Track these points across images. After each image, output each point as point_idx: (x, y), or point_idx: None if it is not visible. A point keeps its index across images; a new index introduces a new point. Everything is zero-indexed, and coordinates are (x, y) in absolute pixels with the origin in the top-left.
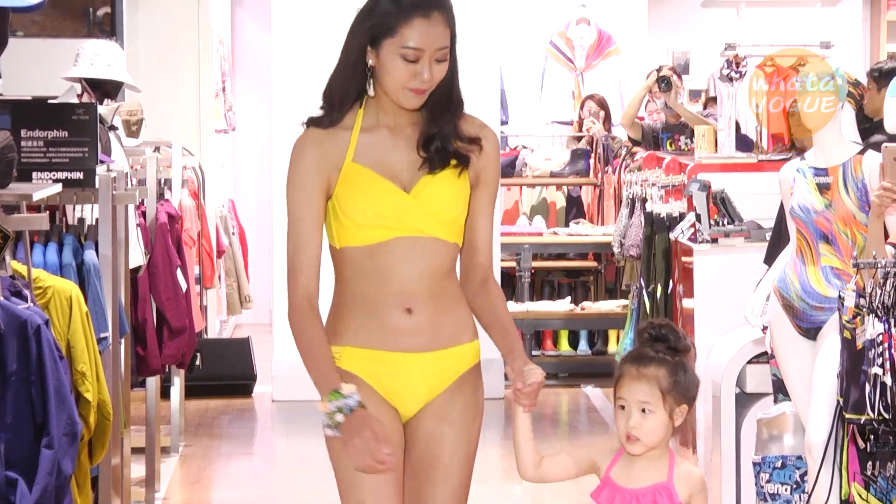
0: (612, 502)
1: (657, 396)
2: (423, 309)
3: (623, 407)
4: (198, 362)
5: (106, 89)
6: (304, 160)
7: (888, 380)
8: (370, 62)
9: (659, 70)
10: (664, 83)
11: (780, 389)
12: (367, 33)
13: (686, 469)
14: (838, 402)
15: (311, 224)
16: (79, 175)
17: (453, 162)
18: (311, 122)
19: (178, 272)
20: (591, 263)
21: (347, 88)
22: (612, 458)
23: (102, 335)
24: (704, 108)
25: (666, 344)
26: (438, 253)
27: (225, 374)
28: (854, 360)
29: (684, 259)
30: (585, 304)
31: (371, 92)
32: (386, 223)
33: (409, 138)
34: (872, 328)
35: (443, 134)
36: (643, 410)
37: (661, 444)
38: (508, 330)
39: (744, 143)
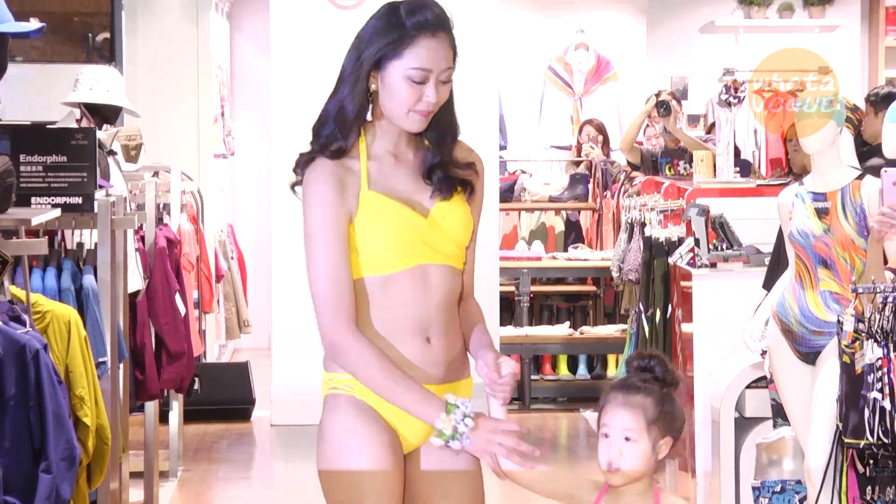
0: None
1: (642, 425)
2: (439, 338)
3: (606, 435)
4: (196, 387)
5: (105, 114)
6: (324, 189)
7: (887, 404)
8: (372, 87)
9: (658, 95)
10: (663, 108)
11: (779, 414)
12: (371, 57)
13: (672, 503)
14: (837, 426)
15: (344, 249)
16: (77, 200)
17: (459, 188)
18: (316, 153)
19: (177, 297)
20: (590, 288)
21: (351, 115)
22: (597, 494)
23: (101, 360)
24: (707, 132)
25: (654, 375)
26: (453, 280)
27: (223, 398)
28: (853, 384)
29: (683, 283)
30: (584, 328)
31: (370, 117)
32: (408, 250)
33: (412, 163)
34: (871, 353)
35: (444, 161)
36: (626, 439)
37: (645, 478)
38: (483, 331)
39: (743, 168)
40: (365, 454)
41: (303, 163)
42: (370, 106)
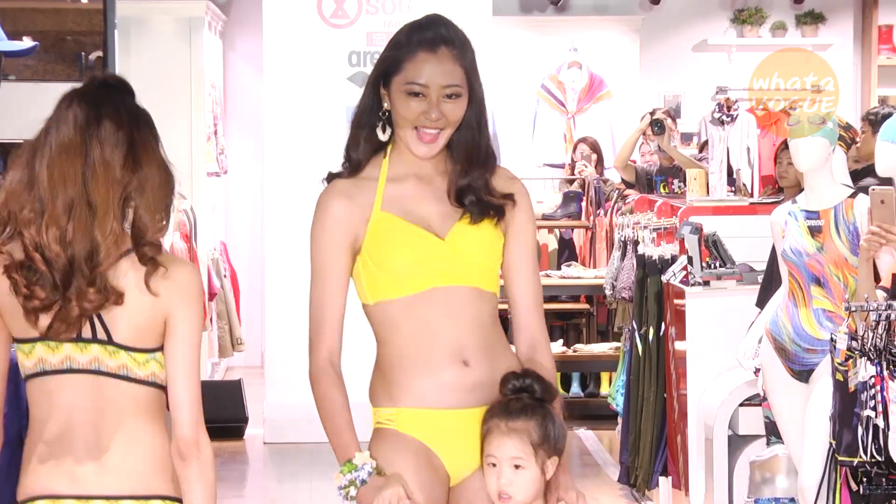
0: None
1: (529, 451)
2: (479, 360)
3: (493, 465)
4: None
5: None
6: (329, 215)
7: (880, 422)
8: (385, 105)
9: (653, 113)
10: (657, 126)
11: (772, 432)
12: (377, 72)
13: None
14: (831, 444)
15: (336, 282)
16: None
17: (490, 212)
18: (333, 175)
19: None
20: (584, 306)
21: (363, 130)
22: None
23: None
24: (700, 151)
25: (532, 395)
26: (481, 302)
27: (216, 416)
28: (846, 402)
29: (676, 301)
30: (577, 346)
31: (383, 136)
32: (422, 272)
33: (439, 189)
34: (864, 371)
35: (475, 186)
36: (516, 466)
37: (536, 500)
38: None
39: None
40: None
41: (324, 180)
42: (381, 123)
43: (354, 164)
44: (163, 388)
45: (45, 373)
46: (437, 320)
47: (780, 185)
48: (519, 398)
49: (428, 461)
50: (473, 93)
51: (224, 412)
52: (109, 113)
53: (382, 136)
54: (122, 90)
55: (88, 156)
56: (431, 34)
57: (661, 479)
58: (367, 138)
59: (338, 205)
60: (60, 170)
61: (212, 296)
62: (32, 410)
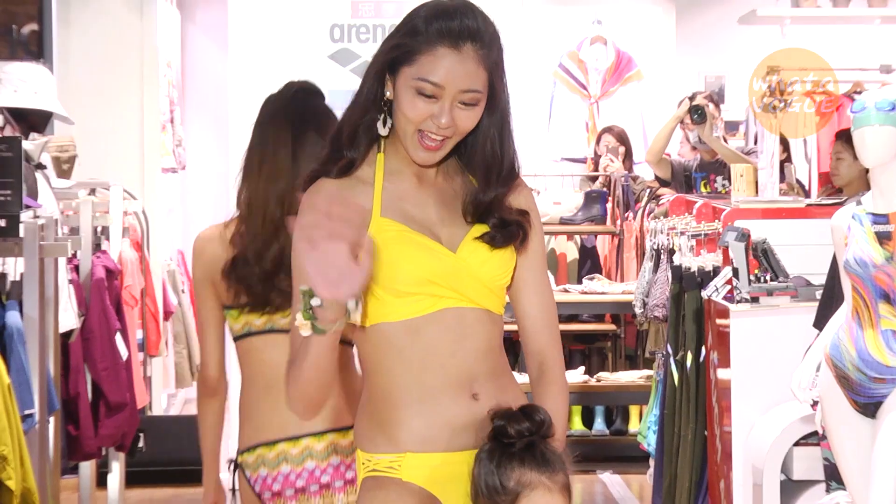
0: None
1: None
2: (487, 392)
3: None
4: (140, 444)
5: (32, 121)
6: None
7: None
8: (387, 93)
9: (692, 98)
10: (697, 114)
11: (833, 476)
12: (387, 55)
13: None
14: None
15: None
16: (0, 222)
17: (520, 235)
18: (318, 174)
19: (118, 337)
20: (609, 327)
21: (361, 123)
22: None
23: (28, 412)
24: (754, 143)
25: (534, 435)
26: (491, 326)
27: (173, 457)
28: None
29: (719, 322)
30: (602, 374)
31: (383, 130)
32: (433, 290)
33: (442, 190)
34: None
35: (499, 204)
36: None
37: None
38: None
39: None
40: None
41: (306, 182)
42: (382, 115)
43: (348, 163)
44: (348, 343)
45: (250, 334)
46: (446, 346)
47: (834, 183)
48: (534, 447)
49: None
50: (496, 98)
51: (181, 452)
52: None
53: (383, 131)
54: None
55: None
56: (458, 25)
57: None
58: (367, 133)
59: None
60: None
61: (167, 315)
62: (242, 368)
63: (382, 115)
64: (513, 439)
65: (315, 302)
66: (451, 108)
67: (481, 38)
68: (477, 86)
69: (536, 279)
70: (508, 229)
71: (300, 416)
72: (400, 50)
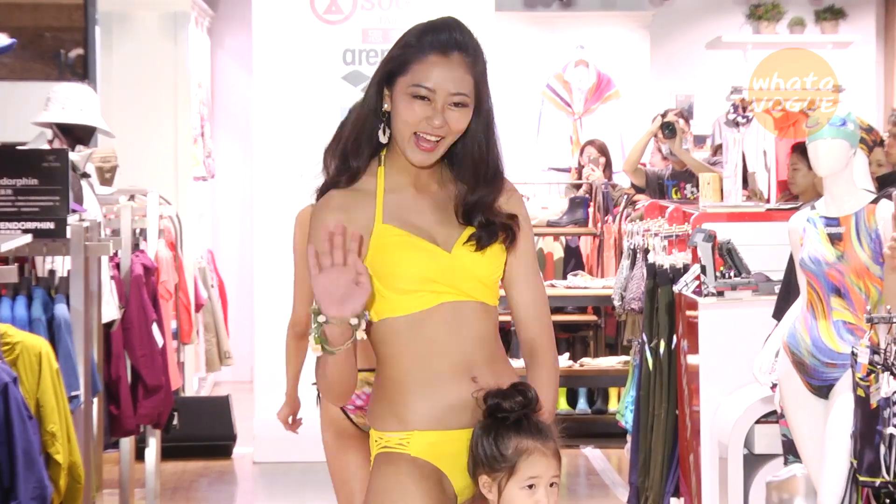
0: None
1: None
2: (486, 375)
3: (532, 486)
4: (175, 422)
5: (78, 135)
6: (325, 229)
7: None
8: (385, 106)
9: (664, 115)
10: (668, 129)
11: (790, 450)
12: (384, 68)
13: None
14: (852, 464)
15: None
16: (49, 225)
17: (502, 236)
18: (327, 187)
19: (154, 327)
20: (591, 317)
21: (363, 132)
22: None
23: (74, 393)
24: (714, 154)
25: (526, 408)
26: (486, 316)
27: (203, 434)
28: (868, 419)
29: (689, 313)
30: (584, 360)
31: (383, 138)
32: (432, 287)
33: (437, 198)
34: (887, 386)
35: (483, 205)
36: (551, 484)
37: None
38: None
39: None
40: None
41: (318, 194)
42: (382, 125)
43: (353, 172)
44: None
45: None
46: (446, 336)
47: (791, 191)
48: (529, 417)
49: (439, 485)
50: (481, 104)
51: (211, 430)
52: None
53: (383, 138)
54: None
55: None
56: (445, 37)
57: (673, 501)
58: (368, 142)
59: (335, 220)
60: None
61: (198, 307)
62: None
63: (382, 125)
64: (507, 413)
65: (322, 318)
66: (443, 110)
67: (467, 49)
68: (465, 89)
69: (527, 274)
70: (491, 229)
71: (335, 405)
72: (395, 62)
